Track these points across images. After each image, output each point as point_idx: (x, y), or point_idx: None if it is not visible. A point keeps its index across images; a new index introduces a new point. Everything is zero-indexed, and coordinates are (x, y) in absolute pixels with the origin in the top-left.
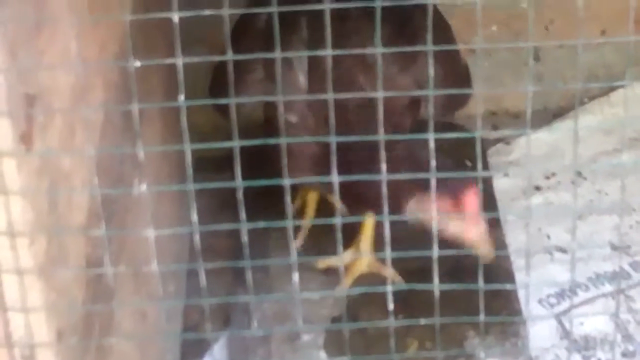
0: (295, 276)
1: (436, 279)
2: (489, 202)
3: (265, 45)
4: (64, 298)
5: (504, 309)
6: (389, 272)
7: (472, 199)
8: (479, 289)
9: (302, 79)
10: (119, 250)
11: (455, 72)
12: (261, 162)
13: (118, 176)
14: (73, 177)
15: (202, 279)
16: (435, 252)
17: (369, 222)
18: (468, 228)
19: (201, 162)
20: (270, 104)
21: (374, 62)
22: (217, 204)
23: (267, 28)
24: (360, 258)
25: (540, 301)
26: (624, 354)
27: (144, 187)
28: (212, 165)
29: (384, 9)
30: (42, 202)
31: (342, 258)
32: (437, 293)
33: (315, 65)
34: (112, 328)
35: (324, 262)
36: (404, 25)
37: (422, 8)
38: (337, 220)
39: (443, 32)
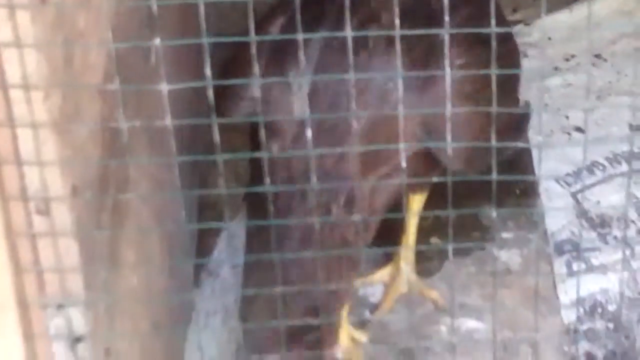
0: (308, 133)
1: None
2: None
3: (271, 57)
4: (78, 154)
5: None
6: (433, 294)
7: None
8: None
9: (297, 107)
10: (134, 114)
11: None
12: None
13: (135, 38)
14: (88, 35)
15: (216, 135)
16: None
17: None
18: None
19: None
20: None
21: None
22: None
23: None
24: (400, 277)
25: (557, 180)
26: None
27: (157, 40)
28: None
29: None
30: (57, 57)
31: (380, 275)
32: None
33: (316, 94)
34: (127, 188)
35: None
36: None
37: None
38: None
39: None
